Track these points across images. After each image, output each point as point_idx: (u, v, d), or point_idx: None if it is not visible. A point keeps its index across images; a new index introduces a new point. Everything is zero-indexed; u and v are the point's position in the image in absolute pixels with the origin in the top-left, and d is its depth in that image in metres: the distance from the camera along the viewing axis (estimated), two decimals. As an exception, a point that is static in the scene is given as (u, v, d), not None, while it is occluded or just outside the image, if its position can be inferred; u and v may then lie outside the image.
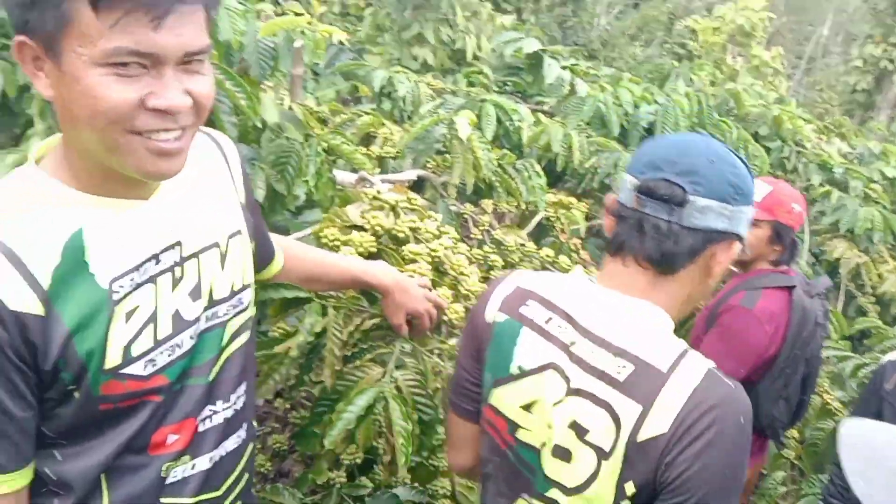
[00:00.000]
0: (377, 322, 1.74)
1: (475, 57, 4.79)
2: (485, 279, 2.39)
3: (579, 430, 1.09)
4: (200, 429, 1.13)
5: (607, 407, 1.07)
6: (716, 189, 1.08)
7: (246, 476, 1.27)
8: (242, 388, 1.22)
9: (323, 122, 2.82)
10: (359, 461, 1.94)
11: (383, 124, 2.76)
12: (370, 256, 1.77)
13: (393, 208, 1.86)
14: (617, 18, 18.90)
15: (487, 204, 2.53)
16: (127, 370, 1.00)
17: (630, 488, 1.06)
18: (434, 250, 1.78)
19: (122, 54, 0.86)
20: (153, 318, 1.03)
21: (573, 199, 2.88)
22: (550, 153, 3.14)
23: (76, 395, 0.98)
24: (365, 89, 3.33)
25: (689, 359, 1.08)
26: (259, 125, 2.26)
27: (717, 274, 1.15)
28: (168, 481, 1.10)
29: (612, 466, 1.06)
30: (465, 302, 1.82)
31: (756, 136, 4.54)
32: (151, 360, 1.03)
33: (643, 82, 4.36)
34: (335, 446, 1.55)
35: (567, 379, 1.11)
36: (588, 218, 3.46)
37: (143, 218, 1.02)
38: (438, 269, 1.83)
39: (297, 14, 2.51)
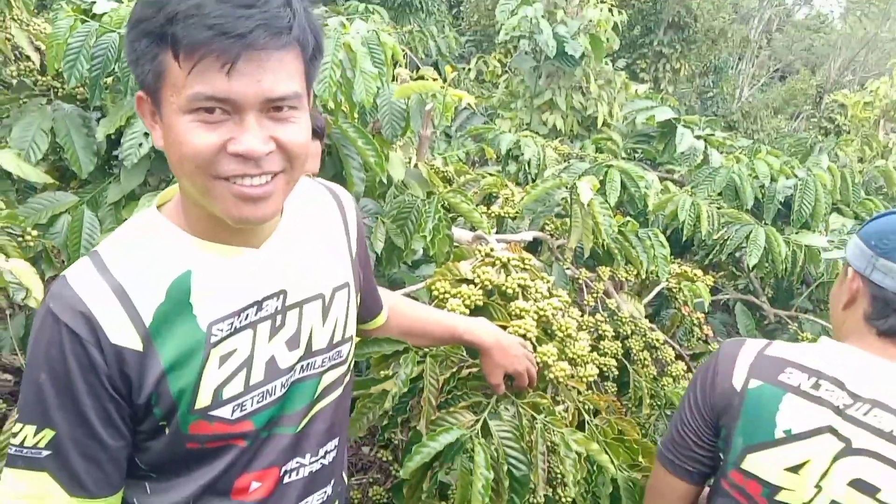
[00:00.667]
0: (475, 371, 1.73)
1: (606, 124, 4.78)
2: (594, 348, 2.34)
3: (864, 488, 1.18)
4: (285, 480, 1.14)
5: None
6: None
7: None
8: (333, 442, 1.22)
9: (448, 181, 2.90)
10: (456, 521, 1.90)
11: (506, 185, 2.79)
12: (476, 310, 1.78)
13: (504, 265, 1.87)
14: (761, 91, 18.34)
15: (604, 271, 2.49)
16: (216, 412, 1.03)
17: None
18: (542, 309, 1.76)
19: (201, 100, 0.89)
20: (247, 364, 1.06)
21: (699, 272, 2.77)
22: (676, 222, 3.05)
23: (166, 430, 1.02)
24: (491, 152, 3.39)
25: None
26: (385, 181, 2.36)
27: None
28: None
29: None
30: (572, 366, 1.78)
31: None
32: (240, 405, 1.05)
33: (783, 156, 4.18)
34: (407, 476, 1.52)
35: (847, 440, 1.19)
36: (713, 292, 3.32)
37: (251, 265, 1.06)
38: (546, 330, 1.80)
39: (432, 79, 2.61)
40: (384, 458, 2.60)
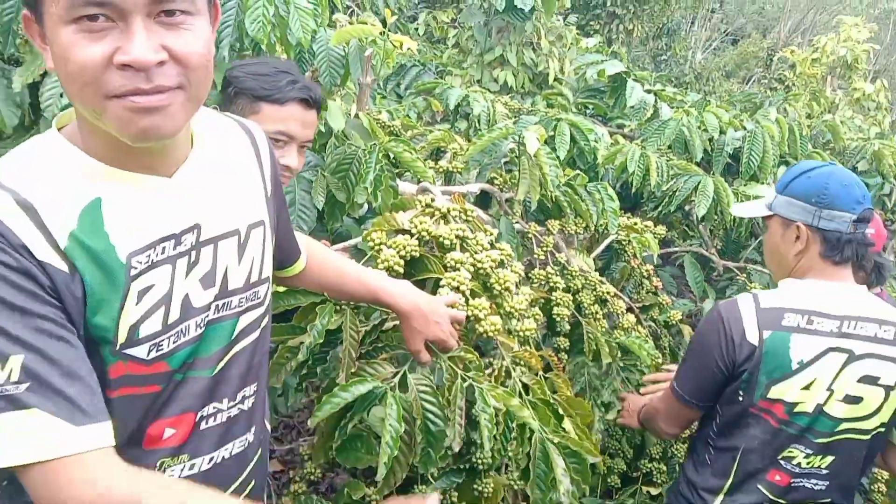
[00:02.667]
0: (398, 324, 1.67)
1: (557, 80, 4.72)
2: (546, 300, 2.30)
3: (870, 380, 1.64)
4: (201, 426, 1.07)
5: (890, 359, 1.64)
6: None
7: (253, 482, 1.20)
8: (252, 387, 1.15)
9: (394, 135, 2.81)
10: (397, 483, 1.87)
11: (454, 139, 2.72)
12: (411, 262, 1.72)
13: (444, 216, 1.80)
14: (714, 54, 18.46)
15: (553, 224, 2.44)
16: (130, 351, 0.96)
17: None
18: (479, 261, 1.70)
19: (80, 6, 0.81)
20: (165, 301, 0.98)
21: (649, 223, 2.74)
22: (626, 175, 3.02)
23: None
24: (438, 105, 3.30)
25: None
26: (324, 132, 2.26)
27: None
28: None
29: None
30: (507, 320, 1.73)
31: (854, 171, 4.27)
32: (157, 345, 0.98)
33: (732, 110, 4.17)
34: (314, 425, 1.46)
35: (849, 351, 1.63)
36: (664, 246, 3.32)
37: (164, 196, 0.98)
38: (484, 284, 1.75)
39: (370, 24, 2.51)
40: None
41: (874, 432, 1.69)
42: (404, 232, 1.75)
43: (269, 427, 1.27)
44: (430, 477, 1.84)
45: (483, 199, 2.51)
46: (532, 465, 1.58)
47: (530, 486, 1.58)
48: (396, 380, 1.51)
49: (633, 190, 3.04)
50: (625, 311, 2.40)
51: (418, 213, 1.80)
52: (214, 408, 1.08)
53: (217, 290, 1.05)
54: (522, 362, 1.81)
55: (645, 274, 2.69)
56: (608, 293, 2.35)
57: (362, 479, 1.88)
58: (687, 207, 3.39)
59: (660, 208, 3.17)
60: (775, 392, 1.66)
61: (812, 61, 6.36)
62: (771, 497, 1.73)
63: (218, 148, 1.09)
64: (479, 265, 1.70)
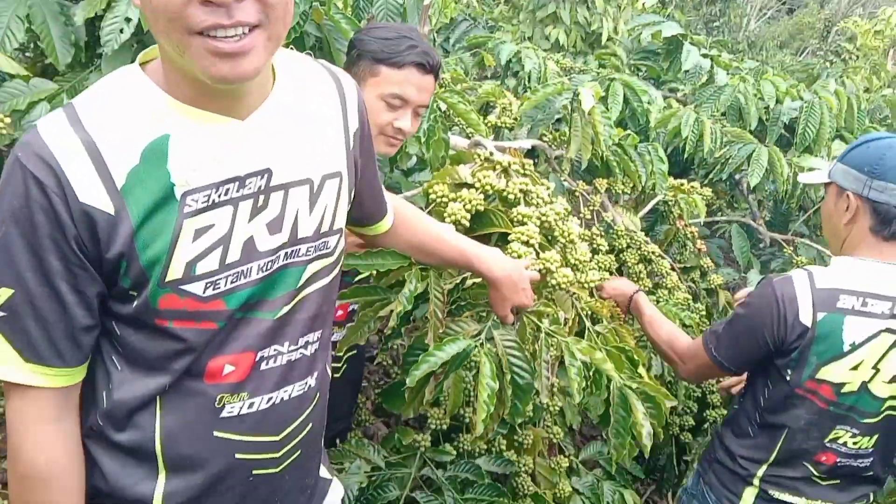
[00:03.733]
0: (478, 281, 1.69)
1: (610, 40, 4.62)
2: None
3: None
4: (262, 367, 1.09)
5: None
6: None
7: (310, 426, 1.22)
8: (316, 334, 1.17)
9: (443, 87, 2.79)
10: (445, 427, 1.91)
11: (504, 94, 2.69)
12: (476, 216, 1.72)
13: (505, 170, 1.80)
14: (768, 23, 17.91)
15: (601, 183, 2.42)
16: (187, 287, 0.98)
17: None
18: (545, 214, 1.71)
19: None
20: (224, 241, 1.00)
21: (695, 185, 2.70)
22: (678, 140, 2.97)
23: (134, 302, 0.98)
24: (490, 59, 3.26)
25: None
26: (378, 80, 2.25)
27: None
28: (223, 415, 1.07)
29: None
30: (573, 271, 1.75)
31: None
32: (214, 283, 1.00)
33: (790, 79, 4.06)
34: (413, 385, 1.51)
35: None
36: (710, 212, 3.27)
37: (235, 137, 0.99)
38: (547, 236, 1.76)
39: (428, -26, 2.47)
40: (384, 363, 2.59)
41: None
42: (466, 185, 1.76)
43: (330, 373, 1.29)
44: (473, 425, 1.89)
45: (530, 156, 2.49)
46: (612, 411, 1.63)
47: (611, 431, 1.63)
48: (483, 336, 1.56)
49: (685, 155, 2.99)
50: (669, 271, 2.39)
51: (479, 167, 1.80)
52: (275, 350, 1.10)
53: (286, 237, 1.06)
54: (591, 313, 1.83)
55: (689, 236, 2.66)
56: (653, 253, 2.34)
57: (412, 426, 1.94)
58: (737, 177, 3.33)
59: (711, 175, 3.12)
60: (824, 373, 1.65)
61: (875, 33, 6.13)
62: (816, 473, 1.73)
63: (300, 94, 1.08)
64: (545, 218, 1.71)
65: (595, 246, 2.31)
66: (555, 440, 2.09)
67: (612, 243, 2.37)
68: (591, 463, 2.36)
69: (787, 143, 3.50)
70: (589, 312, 1.83)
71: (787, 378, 1.69)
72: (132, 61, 2.13)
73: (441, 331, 1.61)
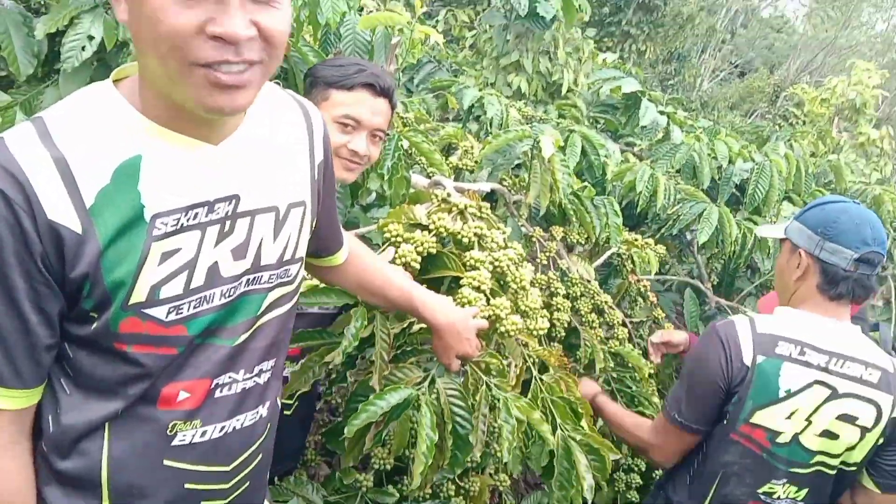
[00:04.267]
0: (425, 326, 1.67)
1: (570, 91, 4.72)
2: (547, 305, 2.30)
3: (847, 419, 1.65)
4: (216, 394, 1.07)
5: (871, 402, 1.65)
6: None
7: (261, 457, 1.20)
8: (270, 363, 1.16)
9: (406, 126, 2.80)
10: (389, 467, 1.87)
11: (466, 137, 2.72)
12: (428, 258, 1.71)
13: (461, 213, 1.80)
14: (720, 84, 18.57)
15: (557, 231, 2.45)
16: (150, 311, 0.96)
17: (881, 442, 1.68)
18: (497, 260, 1.70)
19: None
20: (190, 266, 0.98)
21: (649, 241, 2.75)
22: (633, 193, 3.03)
23: (94, 324, 0.95)
24: (454, 102, 3.29)
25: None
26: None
27: None
28: (174, 442, 1.05)
29: (874, 435, 1.67)
30: (524, 318, 1.74)
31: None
32: (177, 308, 0.98)
33: (742, 140, 4.19)
34: (351, 435, 1.49)
35: (833, 388, 1.65)
36: (662, 267, 3.33)
37: (206, 162, 0.98)
38: (499, 281, 1.75)
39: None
40: (331, 401, 2.53)
41: (839, 468, 1.72)
42: (421, 226, 1.75)
43: (279, 404, 1.27)
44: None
45: (489, 199, 2.51)
46: (556, 462, 1.60)
47: (554, 483, 1.61)
48: (426, 385, 1.54)
49: (638, 209, 3.04)
50: (620, 323, 2.41)
51: (435, 209, 1.79)
52: (230, 377, 1.08)
53: (249, 263, 1.06)
54: (537, 361, 1.82)
55: (641, 290, 2.70)
56: (606, 303, 2.36)
57: (355, 466, 1.89)
58: (688, 236, 3.40)
59: (662, 230, 3.18)
60: (758, 417, 1.67)
61: (821, 101, 6.40)
62: None
63: (269, 123, 1.09)
64: (497, 263, 1.70)
65: (553, 289, 2.32)
66: (501, 487, 2.06)
67: (567, 290, 2.39)
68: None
69: (737, 201, 3.60)
70: (536, 360, 1.82)
71: (724, 422, 1.71)
72: (90, 80, 2.10)
73: (386, 372, 1.58)
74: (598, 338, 2.29)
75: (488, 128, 3.40)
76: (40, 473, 1.02)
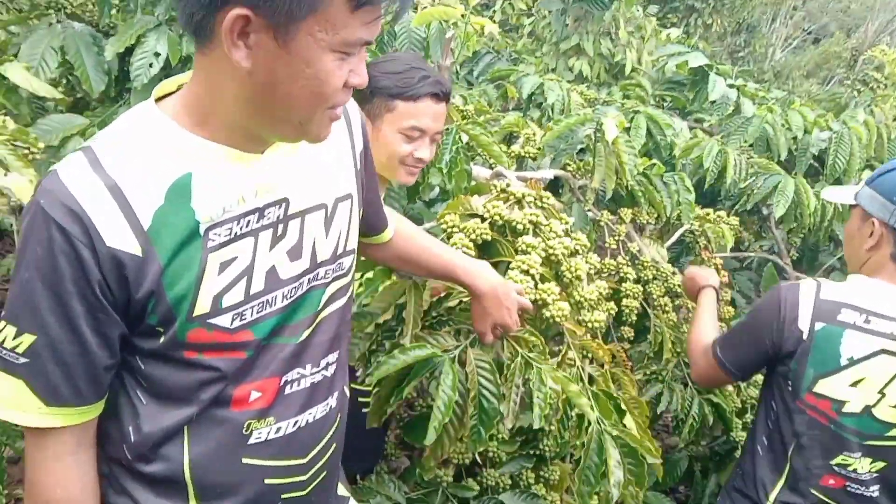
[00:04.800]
0: (465, 298, 1.66)
1: (634, 70, 4.62)
2: (614, 290, 2.26)
3: None
4: (286, 391, 1.10)
5: None
6: None
7: (334, 446, 1.23)
8: (335, 354, 1.19)
9: (468, 118, 2.79)
10: (468, 461, 1.88)
11: (527, 124, 2.69)
12: (483, 245, 1.72)
13: (519, 201, 1.79)
14: (794, 53, 17.85)
15: (626, 213, 2.40)
16: (215, 320, 1.00)
17: None
18: (551, 247, 1.68)
19: (359, 44, 0.92)
20: (248, 272, 1.02)
21: (722, 214, 2.66)
22: (703, 170, 2.94)
23: (161, 338, 0.99)
24: (513, 91, 3.27)
25: None
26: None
27: None
28: (250, 441, 1.08)
29: None
30: (577, 309, 1.71)
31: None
32: (240, 314, 1.02)
33: (818, 108, 4.01)
34: (373, 386, 1.49)
35: None
36: (739, 248, 3.22)
37: (253, 172, 1.01)
38: (556, 272, 1.73)
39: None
40: (408, 395, 2.56)
41: None
42: (478, 216, 1.75)
43: (347, 393, 1.30)
44: (497, 459, 1.86)
45: (554, 186, 2.48)
46: (584, 454, 1.55)
47: (577, 475, 1.55)
48: (457, 352, 1.52)
49: (706, 186, 2.95)
50: (693, 307, 2.35)
51: (492, 198, 1.79)
52: (298, 373, 1.11)
53: (307, 262, 1.09)
54: (589, 353, 1.78)
55: (715, 266, 2.62)
56: (678, 285, 2.30)
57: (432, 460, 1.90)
58: (766, 210, 3.28)
59: (736, 206, 3.07)
60: (822, 387, 1.65)
61: (903, 62, 6.05)
62: (824, 499, 1.71)
63: None
64: (551, 251, 1.68)
65: (622, 275, 2.29)
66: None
67: (638, 274, 2.34)
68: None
69: (816, 173, 3.45)
70: (587, 354, 1.78)
71: (790, 388, 1.70)
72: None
73: (417, 331, 1.56)
74: (671, 323, 2.23)
75: (550, 114, 3.37)
76: (128, 478, 1.06)
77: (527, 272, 1.62)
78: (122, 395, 1.05)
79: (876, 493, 1.69)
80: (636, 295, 2.21)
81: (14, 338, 0.93)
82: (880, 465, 1.67)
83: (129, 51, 2.09)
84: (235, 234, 1.00)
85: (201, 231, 0.97)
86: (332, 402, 1.20)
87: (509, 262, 1.68)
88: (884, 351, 1.60)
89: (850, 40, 17.42)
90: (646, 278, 2.31)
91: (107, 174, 0.92)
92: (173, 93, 1.02)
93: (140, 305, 0.96)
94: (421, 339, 1.54)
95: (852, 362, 1.61)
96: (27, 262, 0.92)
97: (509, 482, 1.96)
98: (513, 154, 2.50)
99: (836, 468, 1.68)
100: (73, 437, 1.01)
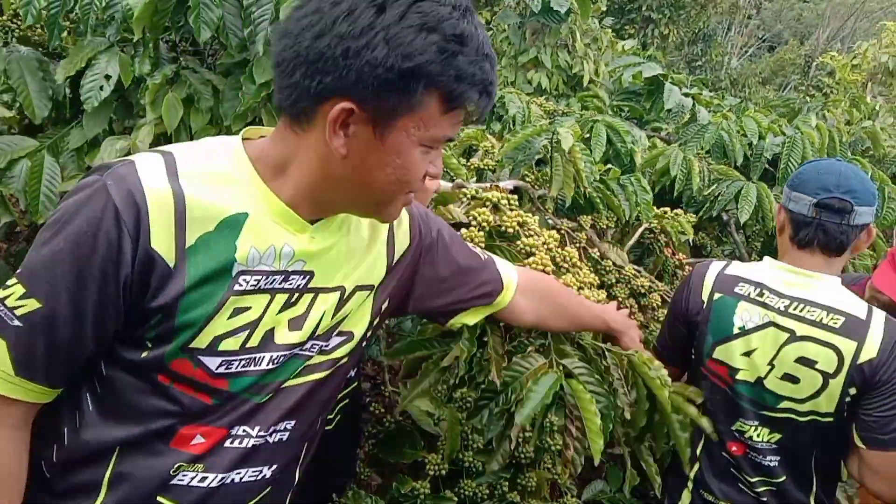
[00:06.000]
0: None
1: (592, 82, 4.68)
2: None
3: (806, 362, 1.66)
4: (226, 444, 1.09)
5: (830, 346, 1.64)
6: (866, 199, 1.68)
7: None
8: (289, 424, 1.16)
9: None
10: (444, 472, 1.88)
11: (486, 137, 2.70)
12: None
13: (495, 206, 1.82)
14: (750, 60, 18.24)
15: (585, 220, 2.42)
16: (205, 359, 1.01)
17: (852, 391, 1.64)
18: (546, 242, 1.77)
19: (444, 140, 1.00)
20: (252, 326, 1.03)
21: (678, 211, 2.69)
22: (666, 178, 2.98)
23: (143, 354, 0.99)
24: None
25: (874, 310, 1.67)
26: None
27: (860, 249, 1.75)
28: (172, 482, 1.06)
29: (838, 382, 1.64)
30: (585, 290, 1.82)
31: (894, 178, 4.17)
32: (228, 362, 1.03)
33: (771, 114, 4.10)
34: (525, 424, 1.55)
35: (791, 331, 1.68)
36: (698, 248, 3.26)
37: (300, 237, 1.06)
38: (553, 262, 1.79)
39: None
40: (376, 411, 2.53)
41: (813, 419, 1.70)
42: (463, 225, 1.77)
43: (296, 476, 1.27)
44: (475, 469, 1.86)
45: (513, 196, 2.49)
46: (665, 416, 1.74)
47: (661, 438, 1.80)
48: (560, 370, 1.63)
49: (676, 193, 2.99)
50: (660, 304, 2.37)
51: (472, 206, 1.82)
52: (244, 431, 1.11)
53: (304, 335, 1.11)
54: None
55: (677, 263, 2.65)
56: (643, 286, 2.32)
57: (408, 474, 1.91)
58: (725, 216, 3.34)
59: (700, 213, 3.12)
60: (718, 353, 1.76)
61: (852, 67, 6.24)
62: (732, 465, 1.80)
63: None
64: (550, 245, 1.77)
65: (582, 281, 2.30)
66: (559, 481, 2.05)
67: (601, 279, 2.36)
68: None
69: (771, 177, 3.52)
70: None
71: (693, 357, 1.83)
72: (112, 117, 2.13)
73: (504, 365, 1.62)
74: (638, 323, 2.25)
75: (511, 126, 3.39)
76: (38, 482, 1.04)
77: (542, 270, 1.71)
78: (70, 393, 1.03)
79: (774, 464, 1.75)
80: (602, 299, 2.22)
81: (19, 297, 0.93)
82: (777, 436, 1.74)
83: (81, 74, 2.06)
84: (260, 286, 1.02)
85: (234, 271, 1.00)
86: (267, 472, 1.16)
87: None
88: (772, 324, 1.69)
89: (804, 47, 17.87)
90: (609, 282, 2.33)
91: (178, 183, 0.96)
92: (253, 139, 1.08)
93: (147, 316, 0.97)
94: (513, 367, 1.63)
95: (743, 331, 1.72)
96: (67, 232, 0.92)
97: (487, 492, 1.96)
98: (472, 167, 2.51)
99: (736, 434, 1.78)
100: (21, 412, 1.00)
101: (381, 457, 2.02)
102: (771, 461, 1.75)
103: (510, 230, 1.79)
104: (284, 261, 1.04)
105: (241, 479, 1.13)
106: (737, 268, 1.81)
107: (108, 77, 2.04)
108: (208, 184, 0.99)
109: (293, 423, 1.17)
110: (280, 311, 1.06)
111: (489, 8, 6.13)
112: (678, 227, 2.56)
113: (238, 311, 1.01)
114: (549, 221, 2.27)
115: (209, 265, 0.98)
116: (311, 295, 1.10)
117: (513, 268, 1.52)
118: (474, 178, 2.48)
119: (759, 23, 20.50)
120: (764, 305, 1.71)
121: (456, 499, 1.92)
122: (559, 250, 1.80)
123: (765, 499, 1.77)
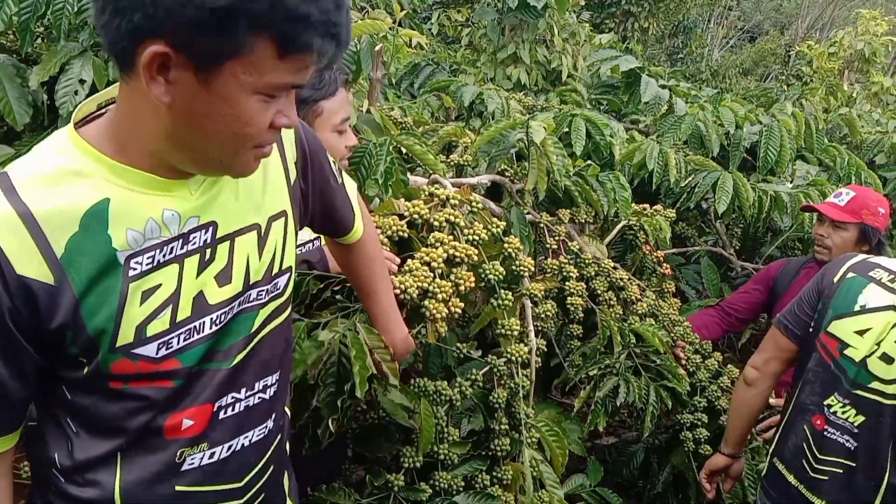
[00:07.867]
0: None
1: (570, 77, 4.70)
2: (559, 290, 2.30)
3: None
4: (220, 416, 1.08)
5: None
6: None
7: (272, 468, 1.21)
8: (274, 376, 1.16)
9: (406, 130, 2.82)
10: (419, 465, 1.89)
11: (466, 134, 2.72)
12: (400, 242, 1.82)
13: (444, 203, 1.83)
14: (731, 52, 18.33)
15: (564, 213, 2.44)
16: (139, 350, 0.97)
17: None
18: (454, 248, 1.77)
19: (286, 87, 0.91)
20: (173, 300, 0.99)
21: (658, 207, 2.73)
22: (644, 171, 3.01)
23: (85, 369, 0.97)
24: (450, 101, 3.30)
25: None
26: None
27: None
28: (183, 468, 1.06)
29: None
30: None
31: (871, 164, 4.22)
32: (166, 343, 0.99)
33: (748, 104, 4.13)
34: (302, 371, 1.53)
35: None
36: (681, 239, 3.30)
37: (178, 197, 0.99)
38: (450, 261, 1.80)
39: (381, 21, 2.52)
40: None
41: (895, 402, 1.71)
42: (399, 216, 1.80)
43: (288, 413, 1.28)
44: (449, 462, 1.87)
45: (495, 191, 2.51)
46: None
47: None
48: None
49: (654, 186, 3.02)
50: (639, 298, 2.40)
51: (419, 200, 1.84)
52: (233, 398, 1.09)
53: (238, 286, 1.06)
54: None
55: (655, 259, 2.68)
56: (622, 279, 2.35)
57: (382, 468, 1.91)
58: (704, 205, 3.37)
59: (678, 205, 3.15)
60: (834, 327, 1.80)
61: (829, 55, 6.29)
62: (809, 438, 1.83)
63: None
64: (452, 252, 1.76)
65: (565, 273, 2.32)
66: (535, 474, 2.06)
67: (581, 272, 2.38)
68: (574, 498, 2.33)
69: (750, 166, 3.56)
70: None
71: (811, 330, 1.86)
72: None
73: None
74: (617, 315, 2.28)
75: (490, 122, 3.41)
76: (58, 501, 1.05)
77: (428, 264, 1.71)
78: (53, 425, 1.03)
79: (850, 446, 1.76)
80: (580, 292, 2.25)
81: None
82: (861, 419, 1.75)
83: (55, 79, 2.05)
84: (158, 261, 0.97)
85: (121, 260, 0.94)
86: (270, 424, 1.17)
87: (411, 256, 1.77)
88: (892, 307, 1.72)
89: (784, 37, 17.97)
90: (588, 275, 2.35)
91: (21, 201, 0.89)
92: (93, 113, 1.00)
93: (55, 336, 0.93)
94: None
95: (863, 310, 1.76)
96: None
97: (462, 484, 1.97)
98: (452, 163, 2.53)
99: (825, 408, 1.81)
100: None
101: (357, 449, 2.03)
102: (848, 442, 1.77)
103: (437, 224, 1.82)
104: (174, 226, 0.98)
105: (249, 441, 1.13)
106: (882, 259, 1.86)
107: (82, 82, 2.04)
108: (52, 187, 0.91)
109: (277, 372, 1.17)
110: (200, 274, 1.02)
111: (468, 5, 6.15)
112: (656, 225, 2.59)
113: (148, 294, 0.96)
114: (529, 216, 2.29)
115: (91, 266, 0.92)
116: (227, 243, 1.04)
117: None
118: (453, 174, 2.50)
119: (739, 14, 20.60)
120: (892, 290, 1.75)
121: (430, 491, 1.93)
122: (463, 252, 1.79)
123: (825, 478, 1.79)
